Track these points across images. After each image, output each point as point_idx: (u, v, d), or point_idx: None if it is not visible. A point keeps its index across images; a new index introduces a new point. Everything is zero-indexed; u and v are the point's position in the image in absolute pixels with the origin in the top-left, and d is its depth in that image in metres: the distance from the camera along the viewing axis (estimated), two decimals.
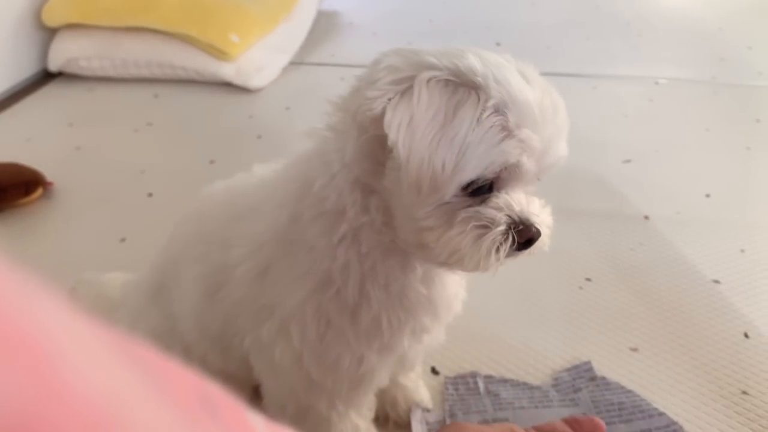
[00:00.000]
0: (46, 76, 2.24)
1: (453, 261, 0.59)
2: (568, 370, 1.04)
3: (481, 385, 1.01)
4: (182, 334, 0.84)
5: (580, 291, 1.23)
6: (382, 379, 0.77)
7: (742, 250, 1.34)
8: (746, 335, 1.12)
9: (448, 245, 0.58)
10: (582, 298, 1.22)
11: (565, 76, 2.20)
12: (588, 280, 1.26)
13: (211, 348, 0.82)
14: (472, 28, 2.70)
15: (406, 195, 0.57)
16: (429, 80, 0.55)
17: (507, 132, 0.55)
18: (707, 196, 1.54)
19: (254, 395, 0.86)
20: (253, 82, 2.13)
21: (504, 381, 1.02)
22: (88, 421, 0.16)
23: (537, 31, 2.70)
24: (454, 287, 0.74)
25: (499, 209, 0.58)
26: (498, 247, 0.58)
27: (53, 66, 2.20)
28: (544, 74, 0.61)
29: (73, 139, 1.81)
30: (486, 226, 0.57)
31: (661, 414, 0.94)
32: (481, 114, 0.54)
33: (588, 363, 1.05)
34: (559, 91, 0.61)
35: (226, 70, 2.12)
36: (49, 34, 2.23)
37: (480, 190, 0.58)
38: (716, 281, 1.25)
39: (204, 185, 0.84)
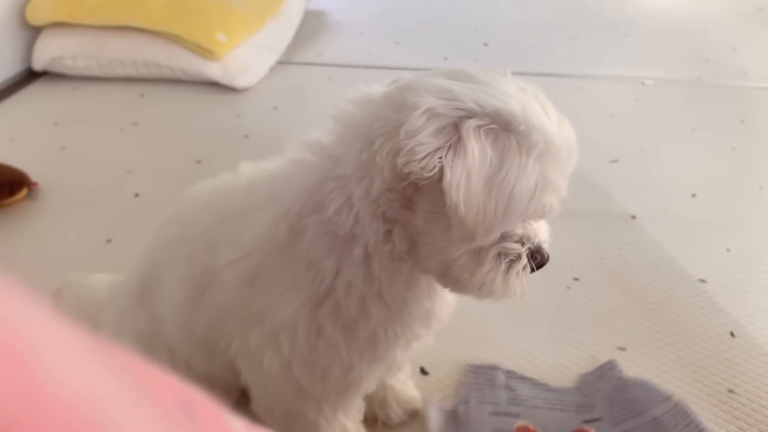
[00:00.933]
0: (30, 76, 2.22)
1: (483, 293, 0.62)
2: (592, 372, 1.04)
3: (501, 377, 1.02)
4: (167, 337, 0.83)
5: (568, 290, 1.24)
6: (370, 385, 0.77)
7: (728, 250, 1.35)
8: (732, 334, 1.13)
9: (479, 280, 0.61)
10: (570, 297, 1.22)
11: (551, 76, 2.21)
12: (576, 279, 1.26)
13: (196, 351, 0.81)
14: (460, 28, 2.70)
15: (442, 237, 0.58)
16: (476, 129, 0.54)
17: (546, 182, 0.57)
18: (693, 195, 1.55)
19: (241, 397, 0.85)
20: (240, 82, 2.13)
21: (524, 378, 1.03)
22: (69, 424, 0.15)
23: (524, 31, 2.71)
24: (451, 297, 0.74)
25: (521, 243, 0.62)
26: (520, 275, 0.62)
27: (38, 65, 2.18)
28: (531, 74, 0.62)
29: (58, 139, 1.79)
30: (512, 260, 0.61)
31: (668, 397, 0.95)
32: (525, 161, 0.55)
33: (611, 362, 1.05)
34: (546, 91, 0.62)
35: (213, 70, 2.11)
36: (34, 32, 2.21)
37: None
38: (702, 280, 1.26)
39: (191, 185, 0.83)
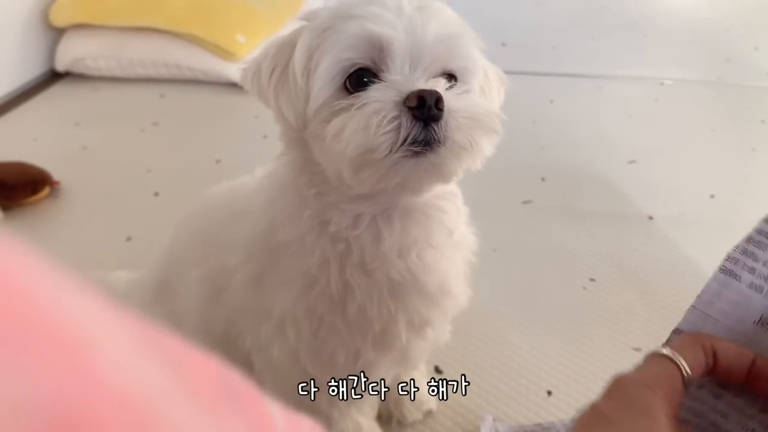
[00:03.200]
0: (53, 76, 2.26)
1: (343, 147, 0.54)
2: None
3: None
4: (186, 333, 0.84)
5: (584, 291, 1.23)
6: (384, 377, 0.77)
7: None
8: None
9: (332, 138, 0.55)
10: (586, 298, 1.22)
11: (570, 77, 2.19)
12: (592, 280, 1.26)
13: (215, 347, 0.82)
14: (478, 28, 2.67)
15: (305, 136, 0.61)
16: (276, 40, 0.63)
17: (347, 17, 0.57)
18: (712, 196, 1.54)
19: None
20: None
21: None
22: (129, 414, 0.16)
23: (543, 31, 2.70)
24: (441, 265, 0.68)
25: (378, 86, 0.55)
26: (381, 116, 0.53)
27: (60, 66, 2.21)
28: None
29: (80, 139, 1.82)
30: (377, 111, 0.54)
31: None
32: (315, 23, 0.59)
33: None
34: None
35: (232, 71, 2.12)
36: (57, 34, 2.25)
37: (364, 85, 0.56)
38: None
39: (210, 185, 0.84)
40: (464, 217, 0.72)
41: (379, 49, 0.55)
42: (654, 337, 1.11)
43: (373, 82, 0.56)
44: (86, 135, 1.85)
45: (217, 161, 1.69)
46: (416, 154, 0.54)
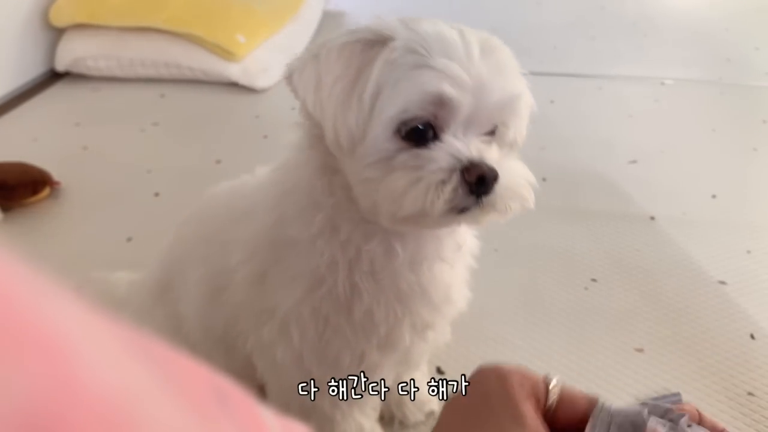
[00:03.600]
0: (53, 76, 2.25)
1: (395, 208, 0.56)
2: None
3: None
4: (187, 334, 0.84)
5: (586, 291, 1.23)
6: (386, 379, 0.77)
7: (749, 251, 1.34)
8: (752, 336, 1.12)
9: (387, 192, 0.56)
10: (587, 298, 1.22)
11: (571, 77, 2.19)
12: (593, 280, 1.26)
13: (215, 348, 0.82)
14: (478, 28, 2.68)
15: (341, 156, 0.59)
16: (341, 45, 0.57)
17: (421, 65, 0.55)
18: (713, 196, 1.54)
19: (258, 394, 0.86)
20: (259, 82, 2.14)
21: None
22: (106, 418, 0.15)
23: (543, 31, 2.69)
24: (447, 276, 0.70)
25: (439, 149, 0.56)
26: (440, 186, 0.55)
27: (60, 66, 2.21)
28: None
29: (80, 139, 1.81)
30: (423, 168, 0.56)
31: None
32: (391, 56, 0.55)
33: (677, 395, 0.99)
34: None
35: (233, 71, 2.13)
36: (57, 34, 2.24)
37: (421, 137, 0.57)
38: (722, 282, 1.25)
39: (210, 185, 0.84)
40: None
41: (444, 107, 0.56)
42: (655, 338, 1.11)
43: (426, 133, 0.57)
44: (86, 135, 1.85)
45: (218, 161, 1.69)
46: (459, 212, 0.57)
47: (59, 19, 2.20)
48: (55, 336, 0.15)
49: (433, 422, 0.97)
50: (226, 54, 2.11)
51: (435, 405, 0.98)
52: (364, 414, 0.81)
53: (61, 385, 0.15)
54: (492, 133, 0.61)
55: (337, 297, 0.66)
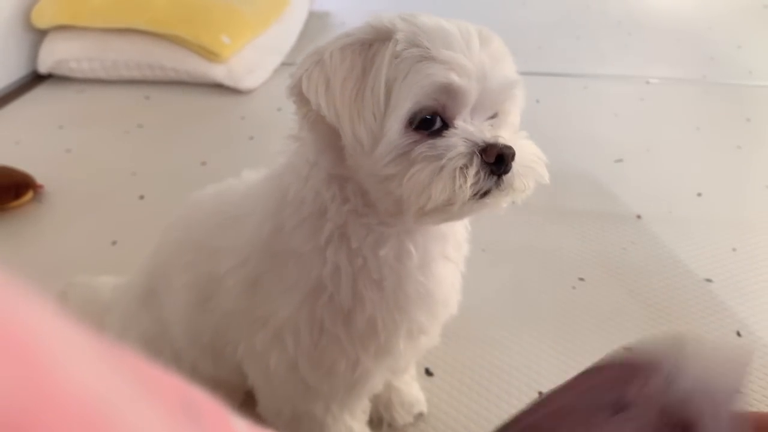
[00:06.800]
0: (35, 78, 2.23)
1: (424, 200, 0.56)
2: None
3: None
4: (172, 339, 0.83)
5: (573, 291, 1.23)
6: (378, 383, 0.77)
7: (734, 249, 1.34)
8: (738, 334, 1.12)
9: (412, 186, 0.56)
10: (575, 297, 1.22)
11: (555, 76, 2.20)
12: (581, 279, 1.26)
13: (202, 355, 0.81)
14: None
15: (360, 157, 0.58)
16: (342, 46, 0.58)
17: (427, 57, 0.56)
18: (699, 195, 1.55)
19: (247, 400, 0.85)
20: (245, 84, 2.13)
21: None
22: (79, 420, 0.16)
23: (528, 30, 2.70)
24: (450, 277, 0.72)
25: (454, 135, 0.57)
26: (464, 171, 0.55)
27: (43, 68, 2.19)
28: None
29: (64, 142, 1.80)
30: (450, 159, 0.56)
31: None
32: (396, 49, 0.56)
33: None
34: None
35: (218, 72, 2.11)
36: (39, 35, 2.22)
37: (432, 126, 0.58)
38: (708, 280, 1.25)
39: (196, 187, 0.83)
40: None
41: (452, 96, 0.57)
42: (643, 336, 1.12)
43: (434, 121, 0.58)
44: (70, 138, 1.83)
45: (203, 163, 1.68)
46: (481, 196, 0.57)
47: (41, 20, 2.18)
48: (29, 341, 0.15)
49: (422, 424, 0.97)
50: (211, 55, 2.10)
51: (424, 407, 0.98)
52: (354, 418, 0.81)
53: (35, 387, 0.15)
54: (493, 118, 0.62)
55: (338, 306, 0.66)
